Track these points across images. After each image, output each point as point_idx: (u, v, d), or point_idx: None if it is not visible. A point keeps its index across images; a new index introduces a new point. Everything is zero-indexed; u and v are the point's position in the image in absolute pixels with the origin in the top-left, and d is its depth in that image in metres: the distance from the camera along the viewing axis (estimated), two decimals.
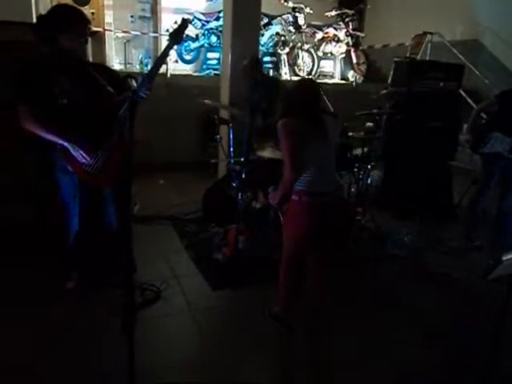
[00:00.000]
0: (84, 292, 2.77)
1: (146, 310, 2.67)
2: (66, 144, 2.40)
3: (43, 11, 2.86)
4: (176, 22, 2.00)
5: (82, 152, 2.42)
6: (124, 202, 1.56)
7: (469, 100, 5.15)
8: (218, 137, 4.02)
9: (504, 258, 1.69)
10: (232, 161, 3.82)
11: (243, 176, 3.34)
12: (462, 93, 4.81)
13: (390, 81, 5.01)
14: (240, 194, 3.41)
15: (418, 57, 6.69)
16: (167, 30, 6.78)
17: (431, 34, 6.79)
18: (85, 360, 2.22)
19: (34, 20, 2.87)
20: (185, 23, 2.00)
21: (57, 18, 2.35)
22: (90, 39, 6.04)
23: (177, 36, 1.95)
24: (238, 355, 2.36)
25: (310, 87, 2.31)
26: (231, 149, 3.89)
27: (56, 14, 2.38)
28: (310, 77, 7.22)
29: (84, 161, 2.44)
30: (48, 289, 2.79)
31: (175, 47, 5.83)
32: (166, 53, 2.01)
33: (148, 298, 2.78)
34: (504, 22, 6.18)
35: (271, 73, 6.99)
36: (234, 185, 3.59)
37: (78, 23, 2.36)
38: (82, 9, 6.11)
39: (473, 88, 5.97)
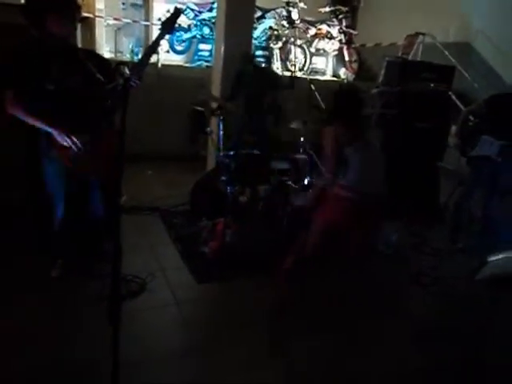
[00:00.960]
0: (68, 280, 2.73)
1: (131, 301, 2.65)
2: (50, 130, 2.35)
3: None
4: (168, 11, 1.97)
5: (67, 138, 2.37)
6: (113, 191, 1.53)
7: (458, 102, 5.19)
8: (209, 129, 3.99)
9: (490, 259, 1.72)
10: (221, 154, 3.80)
11: (232, 169, 3.33)
12: (452, 95, 4.85)
13: (381, 80, 5.02)
14: (229, 188, 3.40)
15: (410, 57, 6.72)
16: (159, 19, 6.69)
17: (423, 34, 6.83)
18: (70, 349, 2.20)
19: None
20: (177, 12, 1.96)
21: (46, 1, 2.30)
22: (79, 25, 6.00)
23: (169, 25, 1.92)
24: (223, 348, 2.35)
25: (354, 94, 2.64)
26: (221, 142, 3.87)
27: None
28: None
29: (70, 147, 2.40)
30: (32, 276, 2.74)
31: (167, 37, 5.77)
32: (157, 42, 1.97)
33: (133, 289, 2.75)
34: (496, 27, 6.23)
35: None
36: (223, 178, 3.57)
37: (66, 7, 2.31)
38: None
39: (462, 90, 6.02)
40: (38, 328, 2.32)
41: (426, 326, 2.73)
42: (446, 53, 6.41)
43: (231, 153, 3.45)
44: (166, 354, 2.26)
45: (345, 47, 8.04)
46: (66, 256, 2.80)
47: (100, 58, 2.75)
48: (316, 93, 3.97)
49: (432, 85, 4.46)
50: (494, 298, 1.80)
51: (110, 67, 2.64)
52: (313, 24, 7.78)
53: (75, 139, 2.40)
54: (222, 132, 3.82)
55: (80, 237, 2.82)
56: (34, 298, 2.55)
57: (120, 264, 1.60)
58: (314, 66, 8.04)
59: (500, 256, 1.71)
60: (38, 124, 2.35)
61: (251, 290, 2.99)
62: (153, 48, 1.92)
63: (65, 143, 2.38)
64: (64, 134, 2.37)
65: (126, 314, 2.20)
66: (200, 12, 6.98)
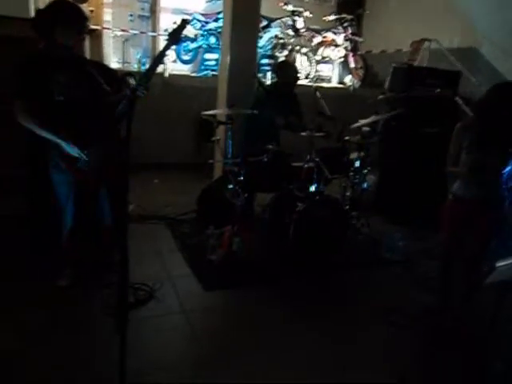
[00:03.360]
0: (76, 289, 2.74)
1: (139, 309, 2.66)
2: (59, 141, 2.38)
3: (42, 7, 2.84)
4: (175, 23, 2.01)
5: (76, 149, 2.40)
6: (121, 200, 1.55)
7: (464, 107, 5.17)
8: (216, 138, 4.00)
9: (498, 265, 1.71)
10: (229, 162, 3.81)
11: (241, 178, 3.34)
12: (458, 100, 4.83)
13: (387, 86, 5.02)
14: (236, 196, 3.41)
15: (416, 63, 6.72)
16: (165, 30, 6.78)
17: (429, 40, 6.83)
18: (77, 357, 2.21)
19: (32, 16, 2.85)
20: (184, 24, 2.00)
21: (55, 12, 2.35)
22: (88, 37, 6.09)
23: (175, 36, 1.95)
24: (230, 356, 2.35)
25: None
26: (229, 150, 3.88)
27: (54, 9, 2.37)
28: None
29: (78, 157, 2.42)
30: (40, 285, 2.75)
31: (173, 47, 5.83)
32: (163, 52, 2.00)
33: (140, 297, 2.76)
34: (502, 32, 6.21)
35: (268, 75, 6.99)
36: (231, 186, 3.58)
37: (75, 19, 2.36)
38: (81, 6, 6.11)
39: (469, 95, 6.00)
40: (45, 337, 2.33)
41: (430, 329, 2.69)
42: (452, 58, 6.40)
43: (238, 161, 3.46)
44: (174, 363, 2.26)
45: (350, 54, 8.05)
46: (74, 265, 2.81)
47: (107, 68, 2.79)
48: (322, 100, 3.95)
49: (438, 90, 4.45)
50: (501, 303, 1.78)
51: (117, 78, 2.68)
52: (318, 32, 7.81)
53: (84, 150, 2.43)
54: (230, 140, 3.84)
55: (89, 246, 2.84)
56: (41, 307, 2.56)
57: (127, 273, 1.61)
58: (319, 73, 8.07)
59: (509, 261, 1.69)
60: (47, 135, 2.38)
61: (259, 297, 2.98)
62: (159, 58, 1.95)
63: (73, 154, 2.41)
64: (72, 145, 2.40)
65: (134, 322, 2.22)
66: (206, 22, 7.05)
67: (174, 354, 2.35)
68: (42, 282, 2.78)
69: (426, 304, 2.80)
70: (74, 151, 2.40)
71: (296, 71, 4.20)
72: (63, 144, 2.38)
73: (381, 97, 4.47)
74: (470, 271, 2.58)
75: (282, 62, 5.87)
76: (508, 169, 2.39)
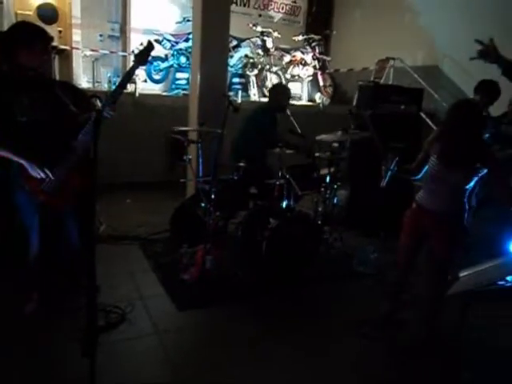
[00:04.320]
0: (44, 314, 2.66)
1: (110, 333, 2.60)
2: (22, 161, 2.34)
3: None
4: (142, 44, 2.04)
5: (39, 170, 2.37)
6: (87, 221, 1.54)
7: (429, 122, 5.37)
8: (187, 157, 4.02)
9: (461, 275, 1.77)
10: (201, 180, 3.83)
11: (212, 196, 3.35)
12: (423, 115, 5.02)
13: (354, 103, 5.17)
14: (208, 214, 3.41)
15: (382, 81, 6.96)
16: (132, 51, 6.81)
17: (393, 59, 7.11)
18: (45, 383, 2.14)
19: None
20: (150, 45, 2.04)
21: (17, 34, 2.34)
22: (56, 57, 6.05)
23: (142, 57, 1.98)
24: (204, 376, 2.32)
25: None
26: (200, 168, 3.90)
27: (16, 31, 2.36)
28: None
29: (42, 178, 2.39)
30: (5, 311, 2.66)
31: (142, 67, 5.85)
32: (130, 73, 2.03)
33: (112, 320, 2.70)
34: (461, 50, 6.51)
35: (240, 94, 7.09)
36: (203, 204, 3.59)
37: (38, 40, 2.35)
38: (49, 27, 6.10)
39: (432, 110, 6.24)
40: (10, 365, 2.25)
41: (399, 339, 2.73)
42: (416, 76, 6.67)
43: (209, 179, 3.48)
44: None
45: (319, 73, 8.27)
46: (42, 289, 2.74)
47: (75, 89, 2.77)
48: (291, 118, 4.04)
49: (402, 107, 4.62)
50: (465, 313, 1.84)
51: (86, 98, 2.67)
52: (287, 51, 8.01)
53: (47, 171, 2.40)
54: (200, 159, 3.86)
55: (56, 269, 2.77)
56: (6, 334, 2.47)
57: (95, 296, 1.59)
58: None
59: (471, 271, 1.76)
60: (10, 156, 2.34)
61: (233, 315, 2.97)
62: (126, 79, 1.97)
63: (37, 175, 2.37)
64: (36, 165, 2.36)
65: (105, 346, 2.18)
66: (176, 42, 7.13)
67: (146, 376, 2.30)
68: (7, 307, 2.69)
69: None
70: (38, 172, 2.36)
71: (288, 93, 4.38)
72: (27, 165, 2.35)
73: (348, 114, 4.59)
74: (433, 281, 2.60)
75: (277, 84, 5.97)
76: (471, 185, 2.41)
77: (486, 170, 2.33)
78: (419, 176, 2.65)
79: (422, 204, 2.58)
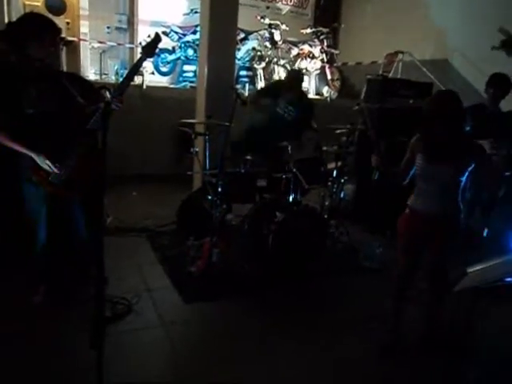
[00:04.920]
0: (52, 306, 2.68)
1: (117, 324, 2.62)
2: (31, 154, 2.35)
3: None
4: (149, 36, 2.03)
5: (47, 162, 2.37)
6: (96, 213, 1.54)
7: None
8: (194, 149, 4.02)
9: (469, 271, 1.76)
10: (208, 173, 3.83)
11: (219, 189, 3.35)
12: None
13: (362, 97, 5.13)
14: (215, 207, 3.41)
15: (390, 75, 6.89)
16: (140, 43, 6.80)
17: (402, 53, 7.03)
18: (53, 373, 2.16)
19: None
20: (158, 37, 2.03)
21: (26, 25, 2.34)
22: (64, 49, 6.05)
23: (149, 49, 1.98)
24: (210, 368, 2.33)
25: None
26: (207, 161, 3.90)
27: (25, 22, 2.36)
28: None
29: (50, 171, 2.40)
30: (14, 302, 2.69)
31: (149, 59, 5.84)
32: (137, 65, 2.03)
33: (119, 311, 2.72)
34: (471, 44, 6.45)
35: (247, 87, 7.06)
36: (209, 197, 3.59)
37: (46, 32, 2.34)
38: (57, 18, 6.08)
39: None
40: (19, 355, 2.27)
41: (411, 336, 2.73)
42: (425, 69, 6.60)
43: (217, 172, 3.48)
44: (153, 377, 2.24)
45: (327, 66, 8.21)
46: (50, 281, 2.76)
47: (82, 80, 2.77)
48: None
49: (411, 101, 4.57)
50: (473, 309, 1.83)
51: (94, 90, 2.66)
52: (295, 44, 7.95)
53: (56, 163, 2.40)
54: (207, 152, 3.86)
55: (63, 260, 2.79)
56: (15, 324, 2.49)
57: (103, 287, 1.60)
58: None
59: (479, 267, 1.75)
60: (18, 148, 2.35)
61: (239, 308, 2.98)
62: (133, 71, 1.97)
63: (45, 167, 2.38)
64: (44, 157, 2.37)
65: (112, 336, 2.20)
66: (184, 34, 7.10)
67: (152, 368, 2.32)
68: (16, 299, 2.71)
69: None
70: (46, 164, 2.37)
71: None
72: (35, 157, 2.36)
73: (356, 107, 4.56)
74: (433, 283, 2.51)
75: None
76: (462, 182, 2.31)
77: (473, 164, 2.25)
78: (407, 180, 2.52)
79: (413, 207, 2.46)
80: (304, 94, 4.52)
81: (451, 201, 2.36)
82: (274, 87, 4.54)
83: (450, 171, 2.26)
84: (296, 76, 4.40)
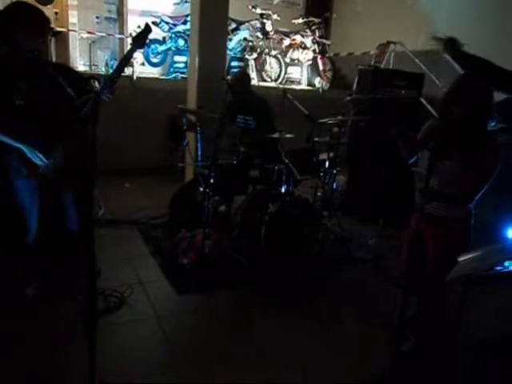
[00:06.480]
0: (45, 298, 2.67)
1: (109, 316, 2.61)
2: (20, 146, 2.32)
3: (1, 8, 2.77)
4: (139, 27, 2.01)
5: (37, 153, 2.35)
6: (86, 205, 1.53)
7: (429, 107, 5.34)
8: (186, 141, 3.99)
9: (460, 259, 1.78)
10: (199, 165, 3.81)
11: (211, 180, 3.34)
12: (423, 100, 4.98)
13: (354, 88, 5.13)
14: (207, 199, 3.40)
15: (382, 65, 6.88)
16: (130, 34, 6.72)
17: (394, 43, 7.02)
18: (46, 365, 2.17)
19: None
20: (148, 28, 2.00)
21: (13, 15, 2.28)
22: (53, 39, 5.95)
23: (139, 40, 1.96)
24: (204, 361, 2.34)
25: None
26: (199, 153, 3.88)
27: (13, 12, 2.31)
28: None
29: (40, 162, 2.37)
30: (7, 295, 2.66)
31: (140, 50, 5.77)
32: (128, 56, 2.01)
33: (111, 304, 2.72)
34: (463, 34, 6.46)
35: None
36: (201, 189, 3.58)
37: (35, 22, 2.29)
38: (45, 8, 5.97)
39: (433, 96, 6.20)
40: (12, 347, 2.26)
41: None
42: (417, 60, 6.60)
43: (208, 163, 3.46)
44: (146, 369, 2.24)
45: (319, 57, 8.18)
46: (42, 272, 2.74)
47: (72, 71, 2.75)
48: (295, 101, 3.95)
49: (403, 91, 4.58)
50: (465, 297, 1.85)
51: (83, 81, 2.63)
52: (287, 35, 7.90)
53: (46, 154, 2.38)
54: (199, 144, 3.84)
55: (55, 252, 2.77)
56: (8, 317, 2.49)
57: (95, 278, 1.59)
58: (289, 75, 8.16)
59: (468, 256, 1.76)
60: (7, 140, 2.31)
61: (231, 300, 2.99)
62: (124, 63, 1.94)
63: (35, 159, 2.35)
64: (34, 149, 2.34)
65: (105, 329, 2.20)
66: (174, 25, 7.02)
67: (146, 360, 2.32)
68: (8, 292, 2.69)
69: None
70: (35, 156, 2.34)
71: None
72: (25, 149, 2.33)
73: (348, 98, 4.56)
74: (435, 287, 2.27)
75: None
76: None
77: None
78: (412, 160, 2.34)
79: (419, 208, 2.19)
80: (256, 97, 4.08)
81: (459, 202, 2.12)
82: (227, 108, 3.67)
83: (459, 167, 2.00)
84: (240, 77, 4.05)
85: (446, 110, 2.02)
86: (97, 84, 1.55)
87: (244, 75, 4.15)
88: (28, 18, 2.27)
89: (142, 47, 2.03)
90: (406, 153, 2.33)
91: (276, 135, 3.49)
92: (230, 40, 7.18)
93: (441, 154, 1.94)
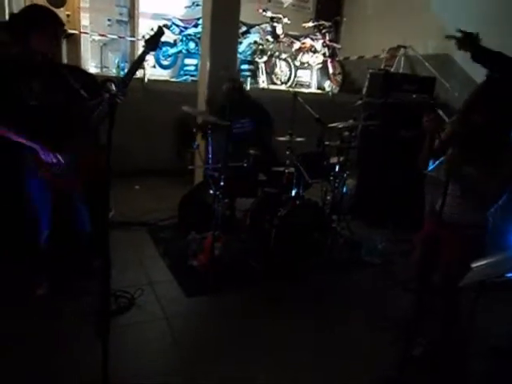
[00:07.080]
0: (56, 298, 2.69)
1: (120, 317, 2.63)
2: (34, 146, 2.35)
3: (17, 11, 2.80)
4: (152, 29, 2.02)
5: (50, 154, 2.37)
6: (101, 206, 1.54)
7: (439, 111, 5.31)
8: (196, 143, 4.00)
9: (474, 266, 1.76)
10: (210, 167, 3.81)
11: (221, 183, 3.34)
12: (435, 104, 4.95)
13: (364, 92, 5.11)
14: (217, 201, 3.41)
15: (392, 69, 6.87)
16: (143, 37, 6.76)
17: (405, 47, 7.00)
18: (58, 366, 2.17)
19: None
20: (161, 31, 2.02)
21: (28, 17, 2.31)
22: (65, 41, 6.01)
23: (152, 43, 1.97)
24: (212, 363, 2.34)
25: None
26: (209, 155, 3.88)
27: (28, 14, 2.34)
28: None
29: (53, 162, 2.39)
30: (18, 295, 2.69)
31: (151, 53, 5.81)
32: (141, 59, 2.02)
33: (122, 305, 2.73)
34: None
35: (248, 80, 7.03)
36: (211, 191, 3.58)
37: (49, 24, 2.32)
38: (57, 11, 6.02)
39: (443, 100, 6.17)
40: (24, 347, 2.28)
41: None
42: (427, 64, 6.57)
43: (218, 166, 3.47)
44: (155, 370, 2.24)
45: (329, 60, 8.17)
46: (53, 273, 2.76)
47: (85, 73, 2.76)
48: (306, 105, 3.95)
49: (414, 95, 4.56)
50: (476, 303, 1.84)
51: (95, 82, 2.65)
52: (297, 38, 7.91)
53: (59, 155, 2.40)
54: (209, 146, 3.84)
55: (67, 253, 2.79)
56: (19, 317, 2.51)
57: (109, 279, 1.60)
58: (299, 79, 8.16)
59: (482, 262, 1.75)
60: (22, 140, 2.33)
61: (240, 302, 2.99)
62: (137, 65, 1.96)
63: (48, 160, 2.37)
64: (48, 150, 2.36)
65: (115, 329, 2.20)
66: (185, 27, 7.06)
67: (155, 361, 2.33)
68: (19, 291, 2.71)
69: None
70: (49, 156, 2.36)
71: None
72: (39, 149, 2.35)
73: (359, 102, 4.55)
74: (448, 293, 2.23)
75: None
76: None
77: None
78: (430, 168, 2.26)
79: (434, 212, 2.18)
80: (251, 100, 4.09)
81: (477, 209, 2.09)
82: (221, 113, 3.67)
83: (479, 171, 1.95)
84: (231, 86, 4.00)
85: (467, 117, 1.98)
86: (113, 86, 1.56)
87: (235, 82, 4.09)
88: (43, 20, 2.30)
89: (154, 50, 2.05)
90: (424, 160, 2.28)
91: (285, 138, 3.50)
92: (241, 43, 7.21)
93: (462, 161, 1.91)
